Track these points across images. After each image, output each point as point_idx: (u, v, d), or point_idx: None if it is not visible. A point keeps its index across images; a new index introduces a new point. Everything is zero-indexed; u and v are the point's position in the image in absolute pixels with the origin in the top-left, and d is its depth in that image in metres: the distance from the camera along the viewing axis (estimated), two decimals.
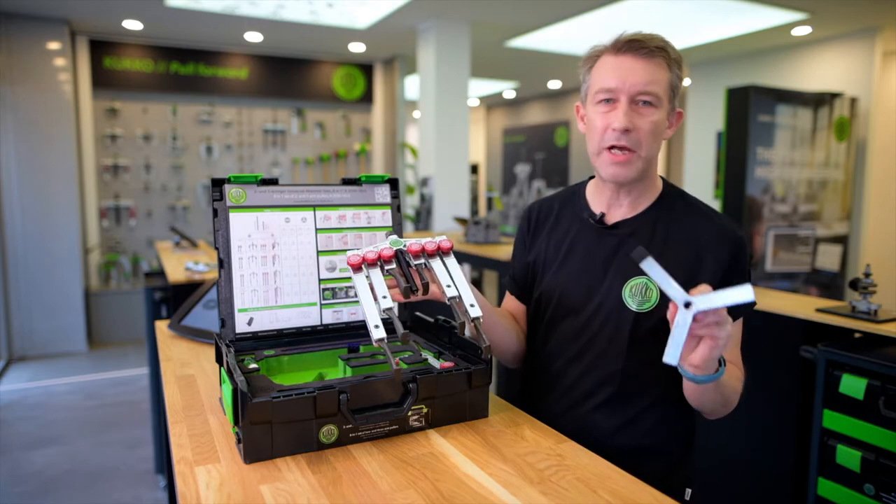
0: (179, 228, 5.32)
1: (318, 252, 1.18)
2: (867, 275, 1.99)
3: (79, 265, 5.09)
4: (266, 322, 1.13)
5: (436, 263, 1.05)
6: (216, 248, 1.11)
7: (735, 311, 1.07)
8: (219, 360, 1.06)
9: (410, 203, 6.00)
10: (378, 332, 0.92)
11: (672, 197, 1.16)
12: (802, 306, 2.13)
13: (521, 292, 1.27)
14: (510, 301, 1.30)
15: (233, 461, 0.89)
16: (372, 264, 1.01)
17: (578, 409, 1.13)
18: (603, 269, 1.13)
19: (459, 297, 1.01)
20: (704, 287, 0.83)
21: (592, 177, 1.23)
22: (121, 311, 5.42)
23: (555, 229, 1.23)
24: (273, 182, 1.16)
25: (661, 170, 1.23)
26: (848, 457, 1.82)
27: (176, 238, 3.99)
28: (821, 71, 5.28)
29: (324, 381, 0.95)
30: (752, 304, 1.12)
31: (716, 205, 5.40)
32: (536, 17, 4.82)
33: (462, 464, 0.89)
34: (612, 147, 1.08)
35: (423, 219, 5.10)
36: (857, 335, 2.00)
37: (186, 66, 5.80)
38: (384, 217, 1.24)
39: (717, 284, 0.94)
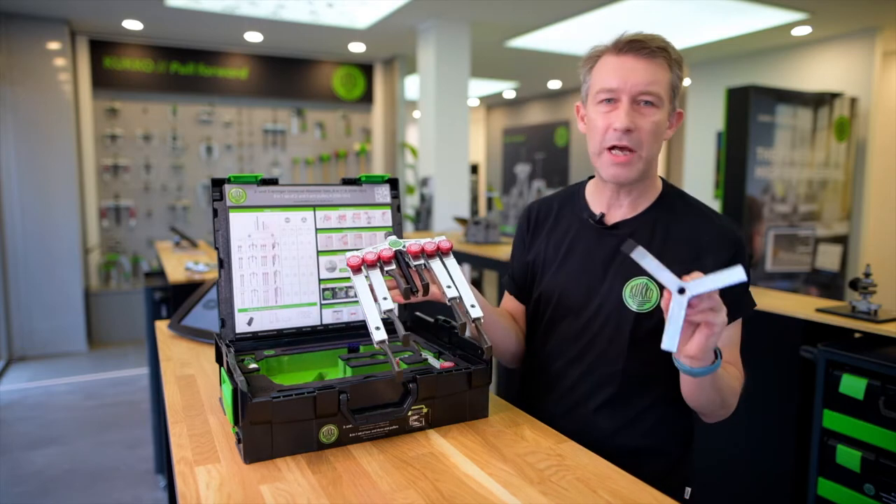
0: (179, 228, 5.32)
1: (318, 252, 1.18)
2: (867, 275, 1.99)
3: (79, 265, 5.09)
4: (266, 322, 1.13)
5: (435, 264, 1.05)
6: (216, 248, 1.11)
7: (735, 312, 1.07)
8: (219, 360, 1.06)
9: (410, 203, 6.00)
10: (379, 334, 0.92)
11: (672, 197, 1.16)
12: (802, 306, 2.13)
13: (520, 292, 1.27)
14: (509, 301, 1.30)
15: (233, 461, 0.89)
16: (371, 265, 1.01)
17: (579, 410, 1.13)
18: (603, 270, 1.13)
19: (460, 297, 1.01)
20: (697, 273, 0.83)
21: (592, 177, 1.23)
22: (121, 311, 5.42)
23: (554, 229, 1.23)
24: (273, 182, 1.16)
25: (661, 170, 1.23)
26: (848, 457, 1.82)
27: (176, 238, 3.99)
28: (821, 71, 5.28)
29: (324, 381, 0.95)
30: (753, 305, 1.12)
31: (716, 205, 5.40)
32: (536, 17, 4.82)
33: (462, 464, 0.89)
34: (613, 147, 1.08)
35: (423, 219, 5.10)
36: (857, 335, 2.00)
37: (186, 66, 5.80)
38: (384, 217, 1.24)
39: None
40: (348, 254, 1.01)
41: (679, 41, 4.94)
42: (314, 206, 1.18)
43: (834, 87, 4.94)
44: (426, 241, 1.06)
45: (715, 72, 6.09)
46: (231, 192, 1.12)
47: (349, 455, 0.91)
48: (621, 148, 1.07)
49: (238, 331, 1.11)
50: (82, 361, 4.83)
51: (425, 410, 0.99)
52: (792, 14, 4.56)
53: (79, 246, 5.10)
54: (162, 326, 1.68)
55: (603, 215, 1.16)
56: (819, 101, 4.39)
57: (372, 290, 0.98)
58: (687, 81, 6.37)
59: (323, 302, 1.18)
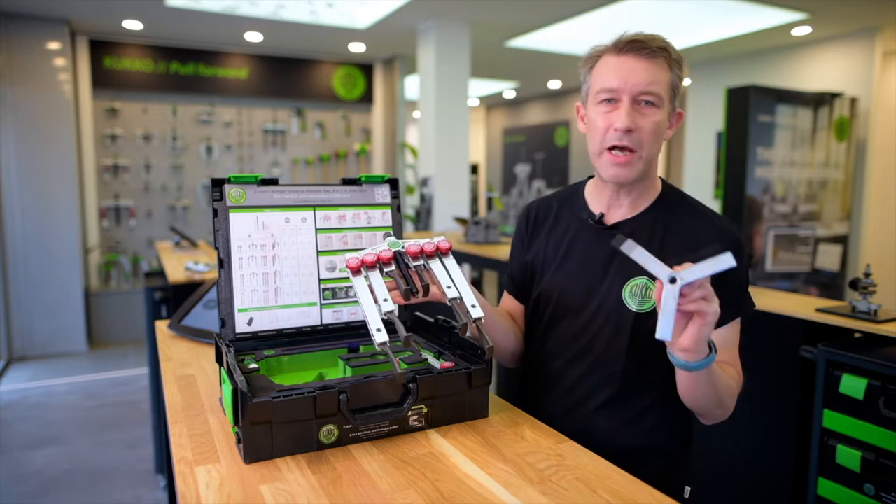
0: (179, 228, 5.32)
1: (318, 252, 1.18)
2: (867, 275, 1.99)
3: (79, 265, 5.09)
4: (266, 322, 1.13)
5: (435, 264, 1.05)
6: (216, 248, 1.11)
7: (734, 312, 1.07)
8: (219, 360, 1.06)
9: (410, 203, 6.00)
10: (380, 336, 0.92)
11: (671, 197, 1.16)
12: (802, 306, 2.13)
13: (519, 292, 1.27)
14: (508, 300, 1.30)
15: (233, 461, 0.89)
16: (371, 267, 1.01)
17: (579, 410, 1.13)
18: (602, 270, 1.13)
19: (460, 297, 1.01)
20: (687, 263, 0.84)
21: (591, 176, 1.23)
22: (121, 311, 5.42)
23: (554, 229, 1.23)
24: (273, 182, 1.16)
25: (661, 170, 1.23)
26: (848, 457, 1.82)
27: (176, 238, 3.99)
28: (821, 71, 5.28)
29: (324, 381, 0.95)
30: (752, 306, 1.12)
31: (716, 205, 5.40)
32: (536, 17, 4.82)
33: (462, 464, 0.89)
34: (613, 147, 1.08)
35: (423, 219, 5.10)
36: (857, 335, 2.00)
37: (186, 66, 5.80)
38: (384, 217, 1.24)
39: (716, 286, 0.94)
40: (347, 255, 1.01)
41: (679, 41, 4.94)
42: (314, 206, 1.18)
43: (834, 87, 4.94)
44: (425, 242, 1.06)
45: (715, 72, 6.09)
46: (231, 192, 1.12)
47: (349, 455, 0.91)
48: (621, 148, 1.07)
49: (238, 331, 1.11)
50: (82, 361, 4.83)
51: (425, 410, 0.99)
52: (792, 14, 4.57)
53: (79, 246, 5.10)
54: (162, 326, 1.68)
55: (602, 215, 1.16)
56: (819, 101, 4.39)
57: (372, 292, 0.98)
58: (687, 81, 6.37)
59: (323, 302, 1.18)
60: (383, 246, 1.04)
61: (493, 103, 10.18)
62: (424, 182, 5.08)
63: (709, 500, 2.37)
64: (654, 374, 1.09)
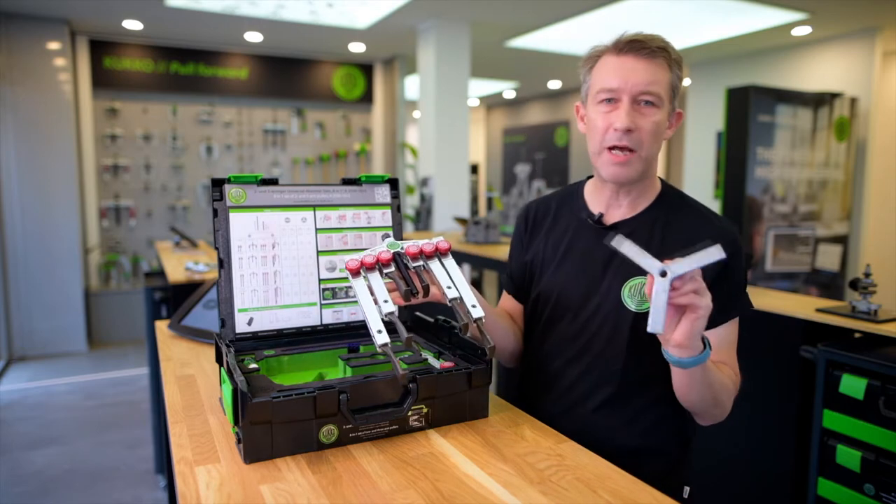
0: (179, 228, 5.32)
1: (318, 252, 1.18)
2: (867, 275, 1.99)
3: (79, 265, 5.10)
4: (266, 322, 1.14)
5: (434, 265, 1.05)
6: (216, 248, 1.11)
7: (731, 311, 1.07)
8: (219, 360, 1.06)
9: (410, 203, 6.00)
10: (381, 338, 0.92)
11: (671, 197, 1.17)
12: (802, 306, 2.13)
13: (519, 291, 1.28)
14: (507, 300, 1.31)
15: (233, 461, 0.89)
16: (370, 269, 1.01)
17: (578, 409, 1.13)
18: (602, 270, 1.13)
19: (461, 298, 1.01)
20: (678, 258, 0.84)
21: (590, 176, 1.23)
22: (121, 311, 5.42)
23: (553, 229, 1.23)
24: (273, 182, 1.16)
25: (661, 170, 1.23)
26: (848, 457, 1.82)
27: (176, 238, 3.99)
28: (821, 71, 5.28)
29: (324, 381, 0.95)
30: (750, 306, 1.12)
31: (716, 205, 5.40)
32: (536, 17, 4.82)
33: (462, 464, 0.89)
34: (613, 147, 1.08)
35: (423, 219, 5.10)
36: (857, 335, 2.00)
37: (186, 66, 5.80)
38: (384, 217, 1.24)
39: (713, 286, 0.94)
40: (347, 258, 1.01)
41: (679, 41, 4.95)
42: (314, 206, 1.18)
43: (834, 87, 4.94)
44: (424, 243, 1.06)
45: (715, 72, 6.09)
46: (231, 192, 1.13)
47: (349, 455, 0.91)
48: (621, 148, 1.07)
49: (238, 331, 1.11)
50: (82, 361, 4.84)
51: (425, 410, 0.99)
52: (792, 14, 4.57)
53: (79, 246, 5.10)
54: (162, 326, 1.68)
55: (602, 215, 1.16)
56: (819, 101, 4.39)
57: (372, 294, 0.98)
58: (687, 81, 6.37)
59: (323, 302, 1.18)
60: (382, 247, 1.04)
61: (493, 103, 10.18)
62: (424, 182, 5.08)
63: (708, 500, 2.37)
64: (654, 374, 1.09)
